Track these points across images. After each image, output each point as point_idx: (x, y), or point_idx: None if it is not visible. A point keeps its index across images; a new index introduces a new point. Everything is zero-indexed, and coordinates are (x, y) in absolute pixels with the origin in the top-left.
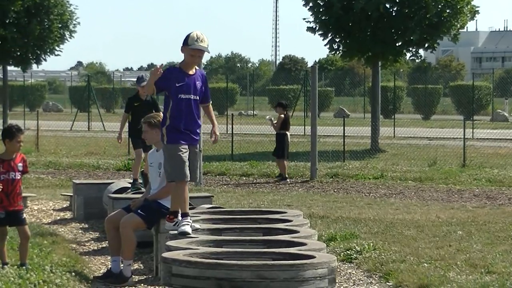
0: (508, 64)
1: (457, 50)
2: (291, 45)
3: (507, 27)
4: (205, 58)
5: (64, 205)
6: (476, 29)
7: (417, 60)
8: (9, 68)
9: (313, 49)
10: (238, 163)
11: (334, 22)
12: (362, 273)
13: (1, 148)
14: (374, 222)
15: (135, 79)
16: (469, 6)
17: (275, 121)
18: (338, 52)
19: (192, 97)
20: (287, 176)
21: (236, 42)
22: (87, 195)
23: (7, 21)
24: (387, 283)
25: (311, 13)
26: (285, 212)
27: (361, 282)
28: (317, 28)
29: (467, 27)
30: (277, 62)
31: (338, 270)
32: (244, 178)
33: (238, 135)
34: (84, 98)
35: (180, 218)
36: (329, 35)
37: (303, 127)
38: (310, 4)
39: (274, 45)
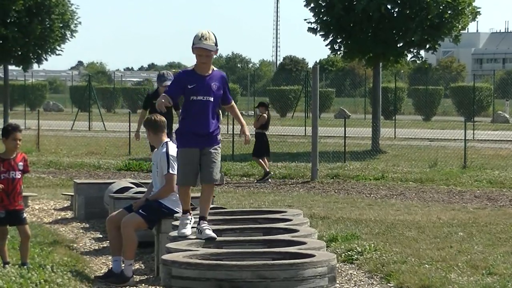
0: (509, 66)
1: (458, 51)
2: (291, 45)
3: (508, 28)
4: None
5: (65, 205)
6: (477, 30)
7: (418, 61)
8: (10, 67)
9: (314, 49)
10: (239, 163)
11: (336, 22)
12: (363, 274)
13: (2, 148)
14: (375, 223)
15: (156, 77)
16: (470, 7)
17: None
18: (339, 53)
19: (205, 99)
20: (268, 170)
21: (237, 43)
22: (88, 194)
23: (8, 21)
24: (388, 284)
25: (312, 14)
26: (285, 212)
27: (362, 283)
28: (318, 29)
29: (468, 28)
30: (278, 62)
31: (339, 271)
32: (245, 179)
33: (239, 135)
34: (85, 97)
35: (189, 217)
36: (331, 35)
37: (304, 127)
38: (312, 5)
39: (275, 45)
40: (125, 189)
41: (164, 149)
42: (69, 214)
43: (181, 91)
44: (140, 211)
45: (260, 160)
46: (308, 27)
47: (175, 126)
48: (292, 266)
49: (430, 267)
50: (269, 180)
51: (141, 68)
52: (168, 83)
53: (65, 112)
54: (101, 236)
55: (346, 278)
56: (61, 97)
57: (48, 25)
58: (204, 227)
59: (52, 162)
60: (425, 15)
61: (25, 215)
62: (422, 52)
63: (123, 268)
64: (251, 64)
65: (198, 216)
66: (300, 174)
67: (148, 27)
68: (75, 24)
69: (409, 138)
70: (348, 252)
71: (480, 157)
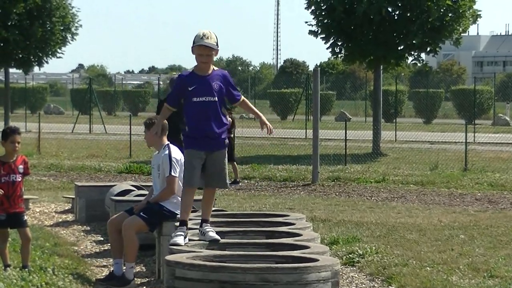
0: (510, 69)
1: (458, 54)
2: (292, 48)
3: (508, 31)
4: None
5: (66, 208)
6: (478, 33)
7: (418, 64)
8: (11, 70)
9: (315, 52)
10: (240, 166)
11: (336, 25)
12: (365, 276)
13: (2, 151)
14: (376, 226)
15: (169, 80)
16: (471, 11)
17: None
18: (340, 56)
19: (207, 99)
20: (239, 179)
21: (238, 45)
22: (89, 197)
23: (9, 23)
24: (390, 286)
25: (313, 17)
26: (288, 215)
27: (363, 285)
28: (319, 32)
29: (468, 31)
30: (279, 65)
31: (341, 273)
32: (246, 181)
33: (240, 138)
34: (85, 100)
35: (184, 230)
36: (331, 38)
37: (305, 130)
38: (312, 8)
39: (275, 48)
40: (126, 192)
41: (167, 152)
42: (70, 217)
43: (182, 95)
44: (141, 213)
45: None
46: (309, 30)
47: None
48: (295, 270)
49: (432, 269)
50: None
51: (141, 71)
52: None
53: (66, 115)
54: (102, 238)
55: (347, 281)
56: (62, 100)
57: (49, 28)
58: (207, 229)
59: (53, 165)
60: (426, 18)
61: (26, 217)
62: (422, 55)
63: (124, 270)
64: (252, 67)
65: (200, 219)
66: (301, 176)
67: (148, 30)
68: (76, 27)
69: (410, 141)
70: (350, 255)
71: (481, 160)
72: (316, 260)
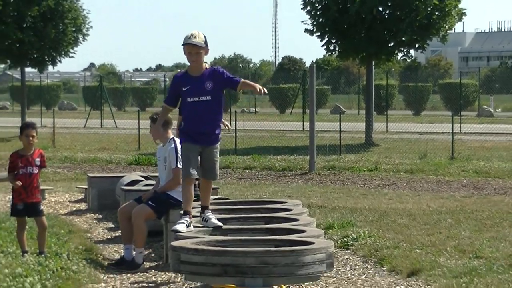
0: (493, 63)
1: (445, 50)
2: (290, 46)
3: (491, 28)
4: (209, 59)
5: (79, 197)
6: (463, 30)
7: (408, 60)
8: (27, 69)
9: (311, 50)
10: (241, 157)
11: (331, 24)
12: (358, 258)
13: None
14: (369, 211)
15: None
16: (456, 9)
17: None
18: (334, 53)
19: (201, 99)
20: None
21: (239, 44)
22: (101, 187)
23: (24, 25)
24: (382, 268)
25: (309, 16)
26: (285, 202)
27: (357, 267)
28: (314, 30)
29: (454, 29)
30: (277, 62)
31: (336, 256)
32: (247, 171)
33: (241, 130)
34: (96, 97)
35: (187, 219)
36: (326, 36)
37: (302, 123)
38: (308, 8)
39: (274, 46)
40: (135, 182)
41: (173, 145)
42: (83, 206)
43: (178, 94)
44: (149, 202)
45: None
46: (305, 29)
47: None
48: (292, 252)
49: (421, 251)
50: None
51: (149, 69)
52: None
53: (79, 110)
54: (113, 226)
55: (342, 262)
56: (75, 96)
57: (61, 30)
58: (210, 216)
59: (67, 157)
60: (414, 17)
61: (42, 207)
62: (411, 51)
63: (134, 255)
64: (252, 64)
65: (200, 206)
66: (299, 166)
67: (154, 30)
68: (87, 28)
69: (400, 132)
70: (344, 239)
71: (467, 149)
72: (311, 243)
